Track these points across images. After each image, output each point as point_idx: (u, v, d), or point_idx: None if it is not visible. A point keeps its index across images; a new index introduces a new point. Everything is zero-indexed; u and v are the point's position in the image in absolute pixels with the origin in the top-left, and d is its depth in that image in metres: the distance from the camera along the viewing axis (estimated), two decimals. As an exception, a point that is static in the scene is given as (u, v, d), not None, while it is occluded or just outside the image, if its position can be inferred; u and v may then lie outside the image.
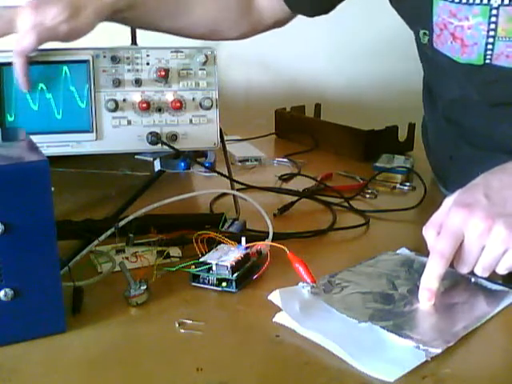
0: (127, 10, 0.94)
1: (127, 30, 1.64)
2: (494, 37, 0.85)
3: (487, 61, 0.86)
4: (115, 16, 0.94)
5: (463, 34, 0.87)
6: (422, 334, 0.64)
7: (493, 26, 0.84)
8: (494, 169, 0.76)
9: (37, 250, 0.62)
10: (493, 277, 0.72)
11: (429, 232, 0.73)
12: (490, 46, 0.86)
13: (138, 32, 1.66)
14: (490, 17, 0.84)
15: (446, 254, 0.69)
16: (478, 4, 0.84)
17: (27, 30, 0.85)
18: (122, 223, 0.83)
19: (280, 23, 1.11)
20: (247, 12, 1.08)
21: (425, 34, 0.92)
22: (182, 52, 0.96)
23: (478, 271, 0.71)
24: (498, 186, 0.73)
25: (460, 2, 0.85)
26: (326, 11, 1.08)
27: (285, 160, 1.26)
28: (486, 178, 0.74)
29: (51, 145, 0.92)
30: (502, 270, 0.70)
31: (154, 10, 1.00)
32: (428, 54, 0.96)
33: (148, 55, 0.95)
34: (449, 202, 0.74)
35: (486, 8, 0.84)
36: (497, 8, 0.83)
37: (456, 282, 0.74)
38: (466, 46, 0.87)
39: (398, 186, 1.11)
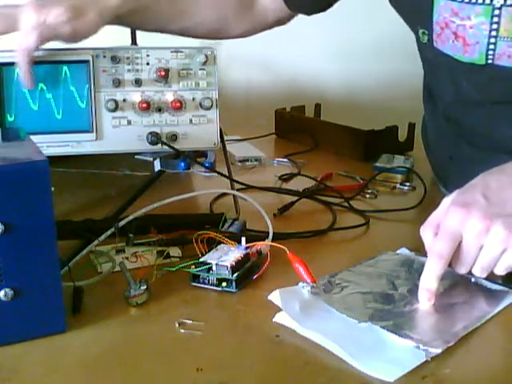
0: (130, 15, 0.95)
1: (127, 29, 1.64)
2: (495, 37, 0.84)
3: (489, 61, 0.86)
4: (118, 20, 0.94)
5: (465, 33, 0.87)
6: (422, 334, 0.64)
7: (495, 26, 0.84)
8: (492, 169, 0.76)
9: (37, 250, 0.61)
10: (493, 277, 0.72)
11: (426, 232, 0.73)
12: (491, 46, 0.85)
13: (138, 32, 1.65)
14: (492, 17, 0.84)
15: (444, 254, 0.69)
16: (480, 4, 0.84)
17: (30, 28, 0.84)
18: (122, 223, 0.83)
19: (282, 21, 1.12)
20: (249, 10, 1.09)
21: (424, 33, 0.92)
22: (182, 52, 0.96)
23: (477, 272, 0.71)
24: (497, 187, 0.72)
25: (463, 1, 0.85)
26: (323, 9, 1.09)
27: (285, 160, 1.26)
28: (485, 178, 0.74)
29: (51, 145, 0.92)
30: (500, 271, 0.70)
31: (156, 15, 1.00)
32: (428, 54, 0.96)
33: (148, 55, 0.95)
34: (447, 202, 0.73)
35: (488, 8, 0.84)
36: (499, 8, 0.83)
37: (456, 281, 0.74)
38: (468, 45, 0.87)
39: (398, 186, 1.11)
